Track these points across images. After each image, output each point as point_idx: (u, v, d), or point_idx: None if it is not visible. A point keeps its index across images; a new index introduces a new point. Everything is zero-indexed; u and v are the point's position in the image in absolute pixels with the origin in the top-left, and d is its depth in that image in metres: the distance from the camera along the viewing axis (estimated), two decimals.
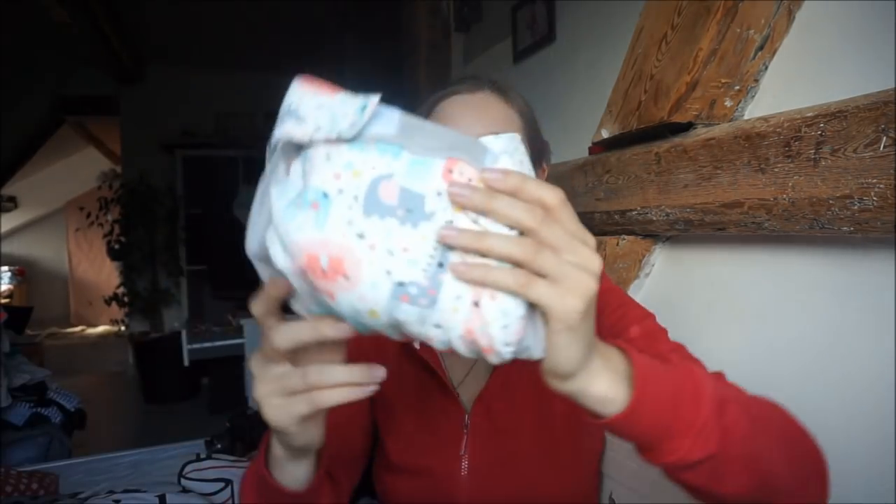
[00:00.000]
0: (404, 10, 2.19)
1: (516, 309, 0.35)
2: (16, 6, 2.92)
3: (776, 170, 0.76)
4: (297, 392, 0.42)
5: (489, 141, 0.38)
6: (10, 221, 7.06)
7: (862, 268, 0.75)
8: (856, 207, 0.65)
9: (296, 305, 0.41)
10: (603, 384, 0.40)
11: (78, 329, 7.36)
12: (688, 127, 0.94)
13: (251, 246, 0.41)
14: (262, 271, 0.43)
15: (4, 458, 2.03)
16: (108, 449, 1.94)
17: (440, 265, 0.35)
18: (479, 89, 0.70)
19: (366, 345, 0.76)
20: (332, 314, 0.39)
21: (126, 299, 4.44)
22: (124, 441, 3.42)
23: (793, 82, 0.87)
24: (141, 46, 4.03)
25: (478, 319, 0.35)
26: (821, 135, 0.70)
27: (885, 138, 0.62)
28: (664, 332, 0.69)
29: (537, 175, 0.69)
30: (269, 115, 4.45)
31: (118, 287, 4.50)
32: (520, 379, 0.73)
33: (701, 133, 0.89)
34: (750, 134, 0.79)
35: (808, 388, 0.83)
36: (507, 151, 0.37)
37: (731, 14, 0.85)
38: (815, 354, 0.83)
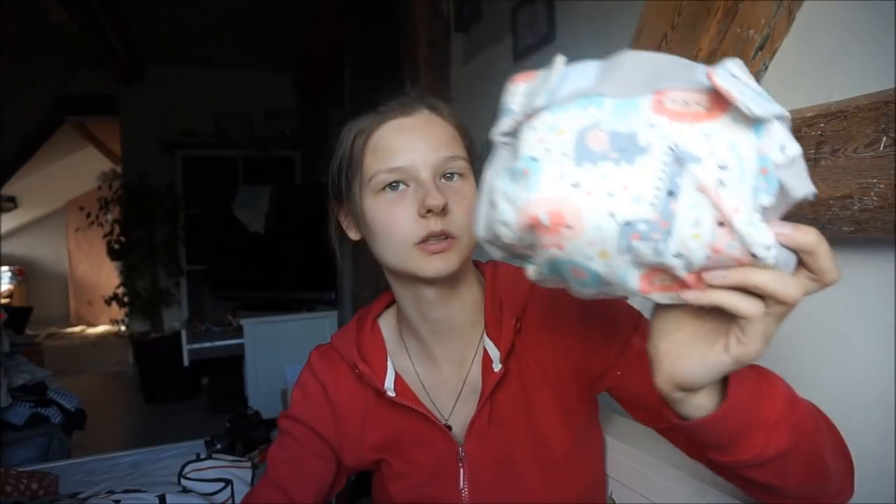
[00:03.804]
0: (404, 9, 2.19)
1: (762, 221, 0.34)
2: (16, 6, 2.92)
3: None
4: None
5: (721, 68, 0.36)
6: (10, 221, 7.06)
7: (862, 268, 0.75)
8: (856, 207, 0.65)
9: (530, 272, 0.42)
10: (704, 393, 0.43)
11: (78, 329, 7.36)
12: None
13: (479, 231, 0.42)
14: (495, 254, 0.45)
15: (4, 458, 2.03)
16: (108, 449, 1.94)
17: (670, 194, 0.34)
18: (415, 109, 0.68)
19: (340, 401, 0.77)
20: (563, 269, 0.39)
21: (126, 299, 4.44)
22: (124, 441, 3.43)
23: (793, 82, 0.86)
24: (141, 46, 4.02)
25: (726, 237, 0.34)
26: (821, 135, 0.70)
27: (885, 138, 0.62)
28: None
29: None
30: (269, 115, 4.41)
31: (118, 287, 4.50)
32: (507, 402, 0.71)
33: None
34: None
35: (808, 388, 0.83)
36: (731, 60, 0.36)
37: (731, 14, 0.85)
38: (814, 354, 0.83)
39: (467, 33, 2.00)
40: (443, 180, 0.66)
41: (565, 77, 0.39)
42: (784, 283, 0.36)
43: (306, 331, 3.13)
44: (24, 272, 7.54)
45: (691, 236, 0.34)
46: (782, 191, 0.35)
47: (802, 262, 0.37)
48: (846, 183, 0.66)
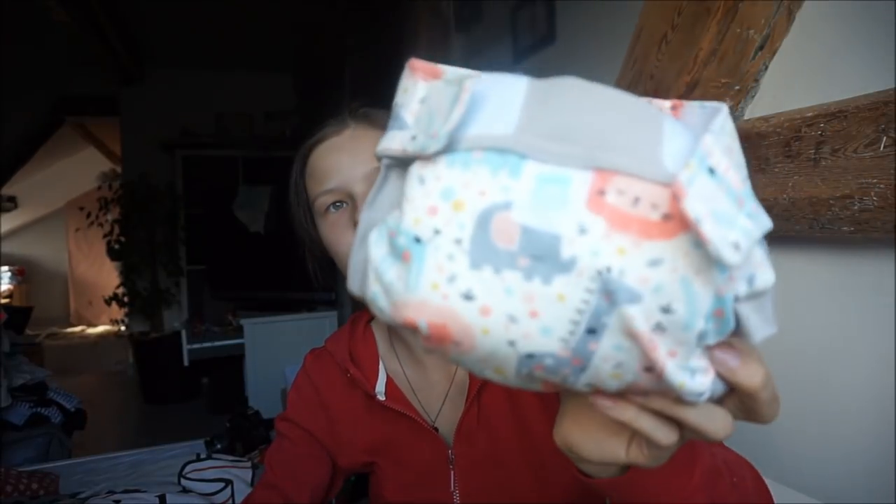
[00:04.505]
0: (404, 10, 2.19)
1: (701, 360, 0.28)
2: (16, 6, 2.92)
3: (776, 170, 0.76)
4: None
5: (689, 113, 0.28)
6: (10, 221, 7.06)
7: (862, 268, 0.75)
8: (856, 207, 0.65)
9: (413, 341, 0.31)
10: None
11: (78, 329, 7.35)
12: None
13: (353, 285, 0.32)
14: None
15: (4, 458, 2.03)
16: (108, 449, 1.94)
17: (590, 332, 0.26)
18: (344, 126, 0.69)
19: (333, 403, 0.77)
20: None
21: (126, 299, 4.44)
22: (124, 441, 3.42)
23: (793, 82, 0.86)
24: (141, 46, 4.03)
25: (652, 381, 0.27)
26: (821, 135, 0.70)
27: (885, 138, 0.62)
28: None
29: None
30: (269, 115, 4.40)
31: (118, 287, 4.50)
32: (494, 403, 0.71)
33: None
34: (750, 134, 0.79)
35: (809, 387, 0.83)
36: (711, 131, 0.25)
37: (731, 14, 0.85)
38: (815, 354, 0.83)
39: (467, 33, 2.00)
40: None
41: (477, 105, 0.27)
42: (711, 421, 0.31)
43: (306, 331, 3.13)
44: (24, 272, 7.55)
45: (610, 376, 0.27)
46: (738, 327, 0.27)
47: (736, 395, 0.31)
48: (846, 183, 0.66)
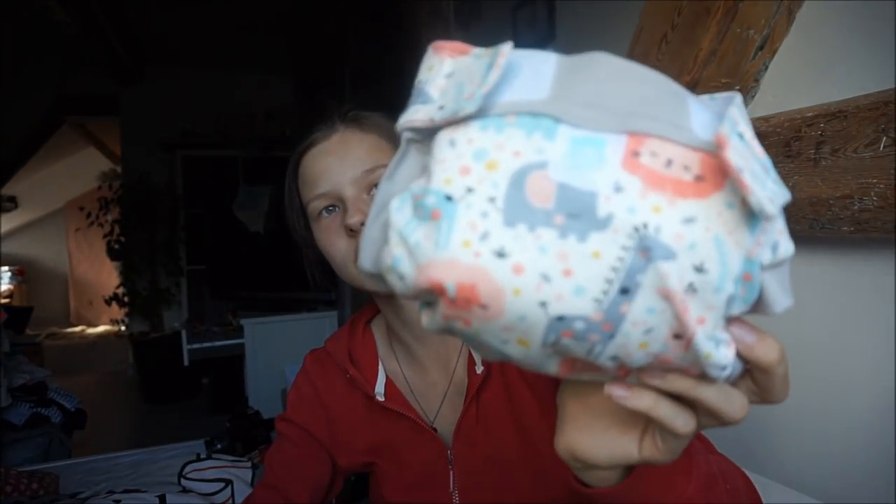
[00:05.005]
0: (404, 9, 2.19)
1: (724, 332, 0.28)
2: (16, 6, 2.92)
3: (776, 170, 0.76)
4: None
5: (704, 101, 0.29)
6: (10, 221, 7.06)
7: (862, 268, 0.75)
8: (856, 207, 0.65)
9: (424, 320, 0.30)
10: (607, 468, 0.39)
11: (78, 329, 7.36)
12: None
13: (365, 261, 0.31)
14: (379, 288, 0.33)
15: (4, 458, 2.04)
16: (108, 449, 1.94)
17: (623, 292, 0.26)
18: (333, 130, 0.69)
19: (333, 404, 0.77)
20: (467, 339, 0.30)
21: (126, 299, 4.44)
22: (124, 441, 3.43)
23: (793, 82, 0.86)
24: (141, 46, 4.03)
25: (679, 350, 0.27)
26: (821, 135, 0.70)
27: (885, 138, 0.62)
28: None
29: None
30: (270, 115, 4.40)
31: (118, 287, 4.50)
32: (493, 403, 0.71)
33: None
34: None
35: (808, 387, 0.83)
36: (735, 105, 0.28)
37: (731, 14, 0.85)
38: (814, 354, 0.83)
39: (467, 33, 2.00)
40: (373, 192, 0.67)
41: (510, 74, 0.28)
42: (729, 403, 0.31)
43: (306, 331, 3.14)
44: (24, 272, 7.55)
45: (638, 345, 0.27)
46: (759, 299, 0.28)
47: (750, 374, 0.31)
48: (846, 183, 0.66)
